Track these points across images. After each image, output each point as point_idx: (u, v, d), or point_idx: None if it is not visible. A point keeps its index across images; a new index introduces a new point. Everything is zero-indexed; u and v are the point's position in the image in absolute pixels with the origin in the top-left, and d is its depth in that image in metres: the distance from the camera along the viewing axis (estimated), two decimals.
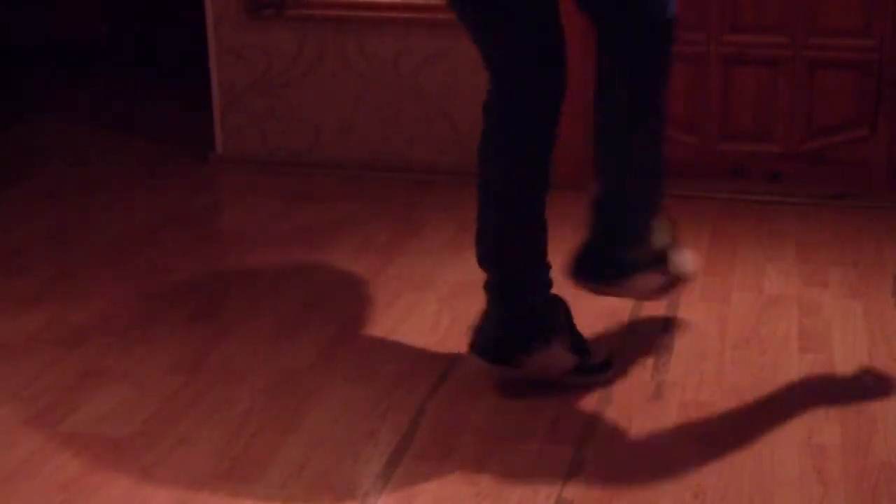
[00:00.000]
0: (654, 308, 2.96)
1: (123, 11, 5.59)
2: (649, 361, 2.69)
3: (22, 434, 2.42)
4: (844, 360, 2.69)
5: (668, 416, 2.46)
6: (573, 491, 2.21)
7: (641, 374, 2.64)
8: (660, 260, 2.73)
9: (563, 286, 2.67)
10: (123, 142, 4.44)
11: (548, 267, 2.62)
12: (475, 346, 2.58)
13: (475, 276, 3.13)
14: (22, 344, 2.82)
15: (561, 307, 2.61)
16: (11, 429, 2.44)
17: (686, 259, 2.82)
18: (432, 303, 3.01)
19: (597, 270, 2.72)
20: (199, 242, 3.49)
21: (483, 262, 2.61)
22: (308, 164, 4.04)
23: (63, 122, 4.69)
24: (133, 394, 2.57)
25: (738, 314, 2.93)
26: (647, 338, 2.81)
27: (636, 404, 2.51)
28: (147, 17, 5.52)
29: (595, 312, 2.94)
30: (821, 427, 2.41)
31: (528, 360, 2.53)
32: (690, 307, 2.97)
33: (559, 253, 3.32)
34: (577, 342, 2.60)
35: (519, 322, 2.55)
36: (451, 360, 2.71)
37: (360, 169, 3.99)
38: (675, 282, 2.79)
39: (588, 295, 3.04)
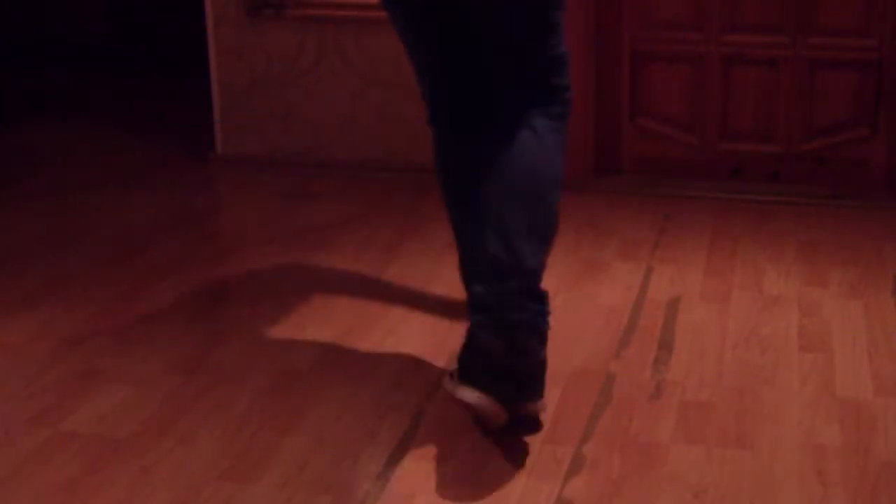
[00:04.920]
0: (655, 308, 2.96)
1: (124, 11, 5.59)
2: (649, 361, 2.69)
3: (22, 434, 2.41)
4: (844, 360, 2.69)
5: (668, 416, 2.46)
6: (573, 491, 2.21)
7: (641, 374, 2.64)
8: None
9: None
10: (123, 142, 4.44)
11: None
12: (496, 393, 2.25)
13: None
14: (22, 344, 2.82)
15: None
16: (11, 429, 2.44)
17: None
18: (433, 303, 3.01)
19: None
20: (199, 242, 3.49)
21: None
22: (308, 164, 4.04)
23: (63, 122, 4.69)
24: (133, 394, 2.57)
25: (738, 314, 2.93)
26: (647, 338, 2.81)
27: (636, 404, 2.51)
28: (147, 17, 5.53)
29: (594, 312, 2.94)
30: (821, 427, 2.41)
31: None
32: (690, 307, 2.97)
33: (558, 257, 3.33)
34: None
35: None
36: (451, 359, 2.71)
37: (360, 169, 3.99)
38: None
39: (586, 294, 3.05)
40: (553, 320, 2.90)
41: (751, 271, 3.18)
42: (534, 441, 2.37)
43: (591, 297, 3.04)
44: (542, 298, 2.32)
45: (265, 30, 4.01)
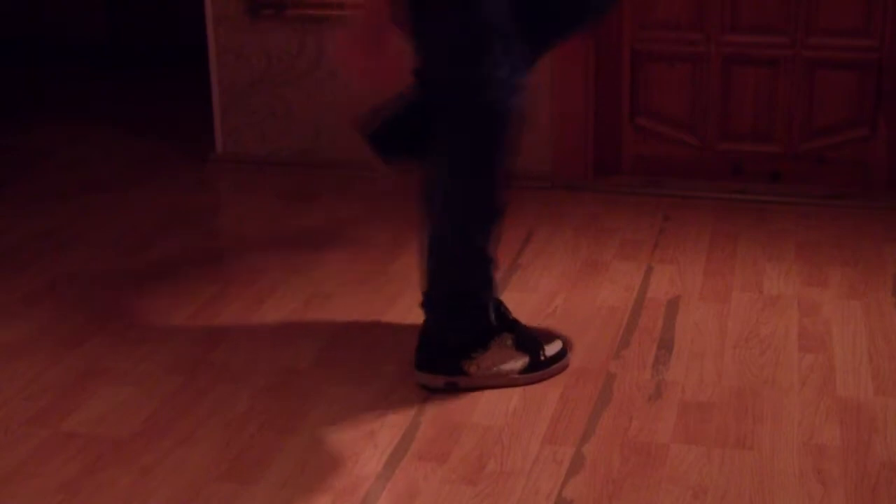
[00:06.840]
0: (655, 308, 2.96)
1: (124, 11, 5.59)
2: (649, 361, 2.69)
3: (22, 434, 2.42)
4: (844, 360, 2.69)
5: (668, 416, 2.46)
6: (573, 491, 2.21)
7: (641, 374, 2.64)
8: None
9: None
10: (123, 142, 4.44)
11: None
12: (420, 364, 2.57)
13: None
14: (22, 344, 2.82)
15: (500, 305, 2.61)
16: (11, 429, 2.44)
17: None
18: None
19: None
20: (199, 242, 3.49)
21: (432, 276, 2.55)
22: (308, 164, 4.04)
23: (63, 123, 4.69)
24: (133, 394, 2.57)
25: (738, 314, 2.93)
26: (647, 338, 2.81)
27: (636, 404, 2.51)
28: (147, 17, 5.53)
29: (594, 312, 2.94)
30: (821, 427, 2.41)
31: (472, 368, 2.54)
32: (690, 307, 2.97)
33: (559, 254, 3.33)
34: (523, 339, 2.59)
35: (462, 331, 2.55)
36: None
37: (360, 169, 3.98)
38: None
39: (586, 294, 3.05)
40: (553, 320, 2.91)
41: (751, 271, 3.19)
42: (534, 441, 2.37)
43: (591, 297, 3.04)
44: None
45: (265, 30, 4.01)
